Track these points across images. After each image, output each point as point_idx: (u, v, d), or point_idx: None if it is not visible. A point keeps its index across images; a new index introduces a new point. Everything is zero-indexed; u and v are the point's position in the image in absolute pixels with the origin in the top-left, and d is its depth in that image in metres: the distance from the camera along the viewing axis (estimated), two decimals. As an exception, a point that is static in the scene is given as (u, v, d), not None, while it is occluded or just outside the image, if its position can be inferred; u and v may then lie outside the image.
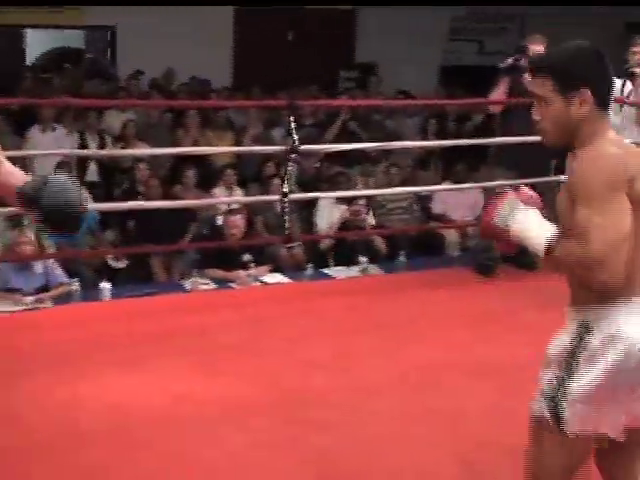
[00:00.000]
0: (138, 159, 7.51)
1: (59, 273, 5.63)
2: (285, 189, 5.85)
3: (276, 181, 6.71)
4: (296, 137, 5.74)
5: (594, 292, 2.10)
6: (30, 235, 5.75)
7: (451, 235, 7.56)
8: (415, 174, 8.41)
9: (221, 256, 6.05)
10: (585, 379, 2.13)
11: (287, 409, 3.81)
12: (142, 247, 6.72)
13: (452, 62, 13.14)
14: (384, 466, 3.37)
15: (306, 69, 10.64)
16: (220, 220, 6.51)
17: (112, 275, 6.12)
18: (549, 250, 2.14)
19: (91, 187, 7.49)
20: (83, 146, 8.04)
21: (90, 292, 5.52)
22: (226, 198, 6.91)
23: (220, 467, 3.34)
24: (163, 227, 6.65)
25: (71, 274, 5.77)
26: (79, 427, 3.61)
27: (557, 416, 2.17)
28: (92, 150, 8.01)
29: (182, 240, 6.80)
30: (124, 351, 4.44)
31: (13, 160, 7.75)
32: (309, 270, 6.10)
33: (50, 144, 7.94)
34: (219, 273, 5.96)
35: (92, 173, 8.09)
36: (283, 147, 6.07)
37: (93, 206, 6.95)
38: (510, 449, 3.49)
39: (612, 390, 2.13)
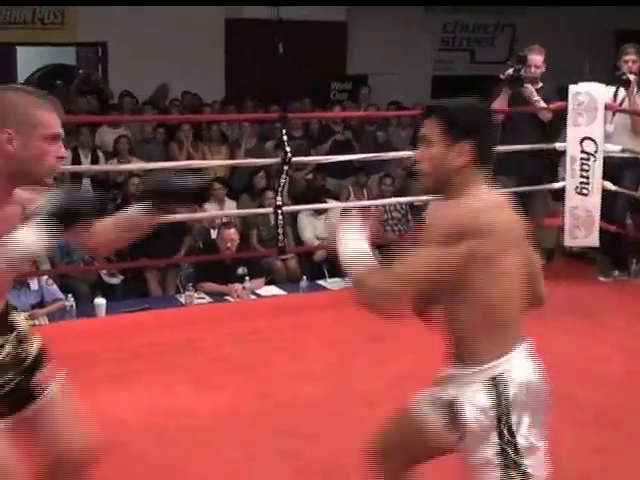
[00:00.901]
0: (132, 174, 7.53)
1: (54, 289, 5.63)
2: (279, 201, 5.87)
3: (269, 194, 6.73)
4: (288, 149, 5.78)
5: (479, 347, 2.16)
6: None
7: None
8: (407, 185, 8.44)
9: (216, 270, 6.07)
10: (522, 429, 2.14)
11: (281, 421, 3.82)
12: (137, 262, 6.73)
13: (444, 72, 13.20)
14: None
15: (298, 81, 10.67)
16: (214, 234, 6.53)
17: (107, 291, 6.13)
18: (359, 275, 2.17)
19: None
20: (76, 162, 8.05)
21: (85, 308, 5.52)
22: (220, 212, 6.93)
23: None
24: (157, 241, 6.65)
25: (66, 290, 5.78)
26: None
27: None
28: (85, 166, 8.02)
29: (177, 254, 6.81)
30: (118, 366, 4.46)
31: None
32: (304, 282, 6.11)
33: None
34: (214, 287, 5.97)
35: (85, 189, 8.10)
36: (276, 159, 6.10)
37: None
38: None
39: (533, 435, 2.15)
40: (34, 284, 5.57)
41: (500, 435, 2.12)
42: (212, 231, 6.70)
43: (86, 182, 8.04)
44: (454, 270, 2.08)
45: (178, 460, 3.48)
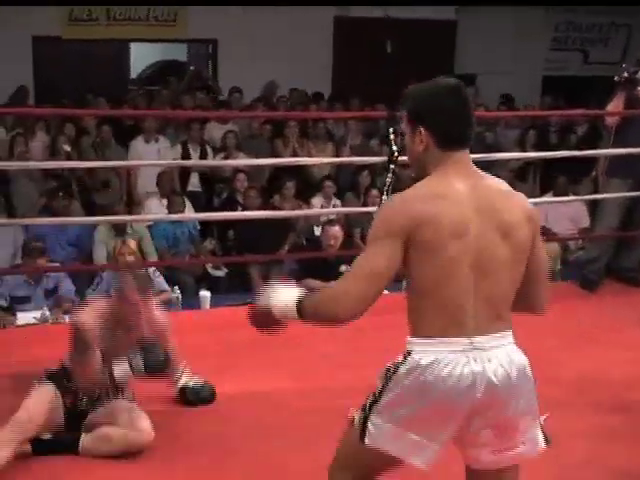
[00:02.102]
0: (238, 169, 7.61)
1: (160, 281, 5.73)
2: (385, 200, 5.82)
3: (374, 192, 6.70)
4: (395, 148, 5.71)
5: (414, 326, 2.23)
6: (132, 244, 5.88)
7: (552, 249, 7.39)
8: (513, 186, 8.26)
9: (318, 266, 6.06)
10: (387, 399, 2.21)
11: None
12: (241, 256, 6.80)
13: (555, 72, 12.89)
14: None
15: (405, 80, 10.56)
16: (318, 231, 6.52)
17: (211, 283, 6.21)
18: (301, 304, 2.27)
19: (192, 197, 7.63)
20: (185, 157, 8.19)
21: (190, 300, 5.59)
22: (324, 209, 6.93)
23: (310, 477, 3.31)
24: (261, 237, 6.71)
25: (171, 282, 5.87)
26: (176, 433, 3.65)
27: (363, 425, 2.27)
28: (193, 161, 8.14)
29: (280, 250, 6.84)
30: (221, 360, 4.47)
31: (118, 170, 7.90)
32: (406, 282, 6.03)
33: (153, 155, 8.12)
34: (316, 284, 5.95)
35: (193, 183, 8.24)
36: (382, 158, 6.04)
37: (194, 215, 7.09)
38: (614, 470, 3.39)
39: (415, 418, 2.18)
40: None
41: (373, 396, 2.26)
42: (316, 228, 6.70)
43: (194, 177, 8.20)
44: (393, 260, 2.15)
45: (278, 456, 3.47)
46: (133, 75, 13.61)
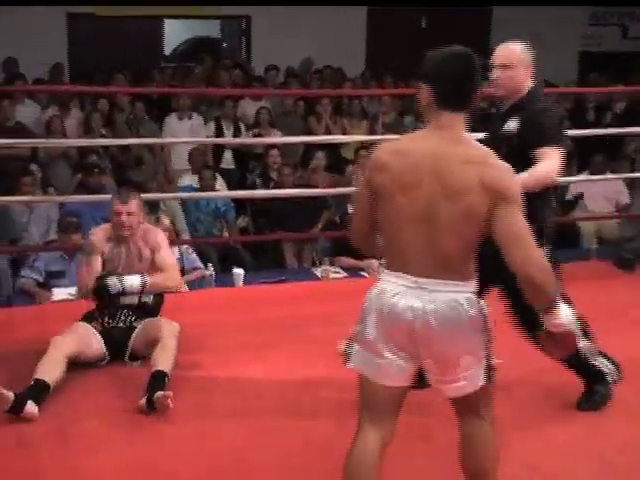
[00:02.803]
0: (271, 146, 7.59)
1: (194, 258, 5.74)
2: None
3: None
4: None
5: (384, 260, 2.61)
6: (166, 221, 5.90)
7: (588, 227, 7.31)
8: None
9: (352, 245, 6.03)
10: (359, 326, 2.59)
11: (419, 402, 3.75)
12: (274, 234, 6.79)
13: (593, 48, 12.69)
14: (522, 463, 3.28)
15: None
16: (352, 208, 6.49)
17: (243, 262, 6.20)
18: None
19: (225, 174, 7.63)
20: (219, 134, 8.18)
21: (224, 277, 5.60)
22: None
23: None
24: (295, 214, 6.70)
25: (205, 260, 5.88)
26: (212, 410, 3.67)
27: (346, 351, 2.68)
28: (226, 138, 8.13)
29: (314, 227, 6.82)
30: (255, 337, 4.49)
31: (151, 147, 7.92)
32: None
33: (186, 132, 8.12)
34: (350, 262, 5.95)
35: (227, 160, 8.24)
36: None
37: (226, 193, 7.09)
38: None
39: (369, 338, 2.55)
40: (175, 252, 5.69)
41: None
42: (350, 205, 6.66)
43: (227, 152, 8.20)
44: (365, 195, 2.55)
45: (311, 434, 3.47)
46: (167, 52, 13.61)
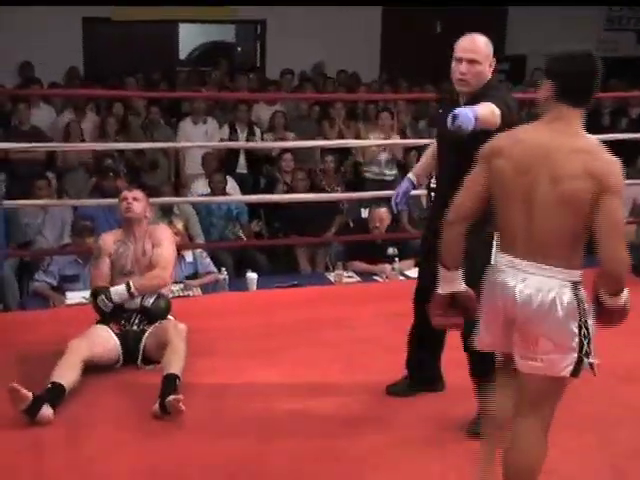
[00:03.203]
0: (285, 150, 7.60)
1: (207, 262, 5.76)
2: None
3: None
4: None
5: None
6: (179, 225, 5.92)
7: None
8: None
9: (366, 249, 6.04)
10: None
11: (429, 407, 3.76)
12: (288, 239, 6.80)
13: (608, 53, 12.64)
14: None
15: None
16: (365, 213, 6.50)
17: (254, 265, 6.21)
18: None
19: (240, 179, 7.64)
20: (233, 138, 8.19)
21: (238, 282, 5.61)
22: (370, 192, 6.87)
23: (360, 463, 3.31)
24: (309, 219, 6.70)
25: (219, 264, 5.90)
26: (225, 415, 3.68)
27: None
28: (240, 142, 8.14)
29: (327, 232, 6.83)
30: (268, 341, 4.50)
31: (165, 151, 7.91)
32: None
33: (201, 136, 8.15)
34: (363, 266, 5.95)
35: (241, 165, 8.25)
36: (430, 140, 5.99)
37: (238, 197, 7.11)
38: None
39: (485, 314, 2.77)
40: (189, 256, 5.71)
41: None
42: (363, 210, 6.67)
43: (242, 157, 8.21)
44: (481, 176, 2.72)
45: (324, 439, 3.47)
46: (182, 56, 13.65)
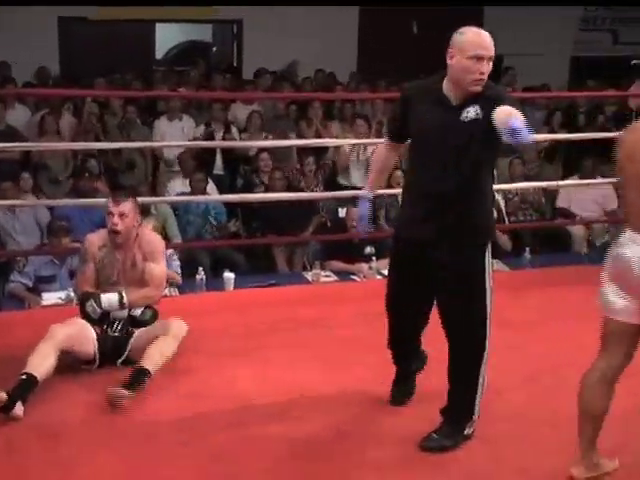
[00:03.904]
0: (261, 149, 7.58)
1: (176, 264, 5.66)
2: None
3: (397, 173, 6.67)
4: None
5: None
6: (154, 224, 5.86)
7: (578, 232, 7.32)
8: (541, 169, 8.20)
9: (343, 248, 6.04)
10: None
11: (413, 407, 3.75)
12: (265, 238, 6.78)
13: (583, 53, 12.72)
14: (513, 467, 3.29)
15: (431, 61, 10.44)
16: (342, 212, 6.49)
17: (234, 265, 6.19)
18: None
19: (217, 180, 7.61)
20: (209, 137, 8.16)
21: (215, 282, 5.59)
22: (348, 192, 6.86)
23: (342, 463, 3.30)
24: (286, 218, 6.69)
25: (192, 263, 5.87)
26: (201, 415, 3.66)
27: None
28: (217, 141, 8.10)
29: (304, 231, 6.81)
30: (246, 341, 4.49)
31: (142, 151, 7.84)
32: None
33: (177, 133, 8.12)
34: (341, 265, 5.95)
35: (217, 165, 8.21)
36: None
37: (216, 197, 7.07)
38: None
39: (607, 281, 3.04)
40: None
41: None
42: (340, 210, 6.66)
43: (218, 157, 8.17)
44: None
45: (304, 440, 3.46)
46: (158, 56, 13.60)
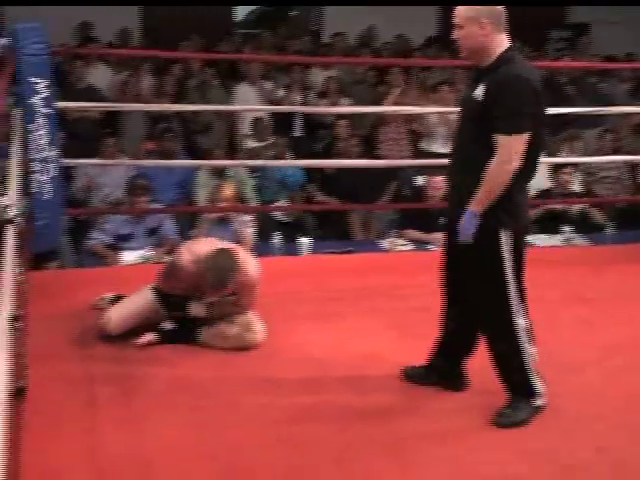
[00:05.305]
0: (340, 116, 7.56)
1: (250, 230, 5.71)
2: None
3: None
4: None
5: None
6: (229, 188, 5.90)
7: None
8: (629, 142, 8.01)
9: (420, 217, 6.00)
10: None
11: (483, 377, 3.72)
12: (341, 204, 6.78)
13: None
14: (589, 445, 3.25)
15: (513, 27, 10.25)
16: (421, 180, 6.44)
17: (309, 231, 6.21)
18: None
19: (294, 142, 7.62)
20: (289, 101, 8.16)
21: (289, 246, 5.61)
22: (425, 160, 6.80)
23: (409, 430, 3.31)
24: (363, 184, 6.67)
25: (270, 228, 5.90)
26: (274, 377, 3.68)
27: None
28: (294, 106, 8.09)
29: (381, 198, 6.79)
30: (320, 306, 4.50)
31: (220, 114, 7.85)
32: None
33: (256, 98, 8.13)
34: (417, 235, 5.91)
35: (295, 129, 8.22)
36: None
37: (293, 162, 7.09)
38: None
39: None
40: (235, 222, 5.71)
41: None
42: (418, 178, 6.62)
43: (297, 121, 8.17)
44: None
45: (375, 407, 3.46)
46: (238, 18, 13.59)
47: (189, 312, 3.95)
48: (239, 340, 3.93)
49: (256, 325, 4.00)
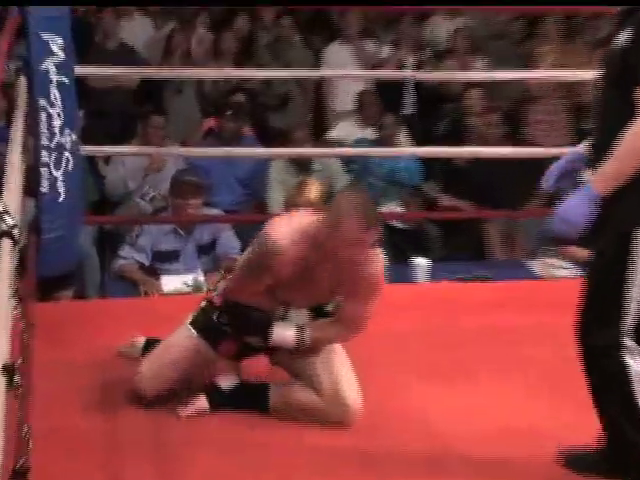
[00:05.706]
0: (471, 84, 7.51)
1: None
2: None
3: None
4: None
5: None
6: (315, 186, 5.89)
7: None
8: None
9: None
10: None
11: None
12: (474, 211, 6.75)
13: None
14: None
15: None
16: (587, 176, 6.34)
17: (429, 247, 6.19)
18: None
19: (407, 122, 7.60)
20: (392, 66, 8.16)
21: (399, 268, 5.59)
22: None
23: None
24: (505, 183, 6.62)
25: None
26: (385, 457, 3.68)
27: None
28: (405, 72, 8.09)
29: (531, 202, 6.72)
30: (440, 356, 4.48)
31: (301, 82, 7.91)
32: None
33: (352, 63, 8.13)
34: (583, 253, 5.81)
35: (408, 104, 8.20)
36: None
37: (409, 150, 7.07)
38: None
39: None
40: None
41: None
42: (585, 172, 6.52)
43: (408, 92, 8.15)
44: None
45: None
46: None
47: (276, 332, 3.79)
48: (323, 415, 3.83)
49: (349, 393, 3.85)
